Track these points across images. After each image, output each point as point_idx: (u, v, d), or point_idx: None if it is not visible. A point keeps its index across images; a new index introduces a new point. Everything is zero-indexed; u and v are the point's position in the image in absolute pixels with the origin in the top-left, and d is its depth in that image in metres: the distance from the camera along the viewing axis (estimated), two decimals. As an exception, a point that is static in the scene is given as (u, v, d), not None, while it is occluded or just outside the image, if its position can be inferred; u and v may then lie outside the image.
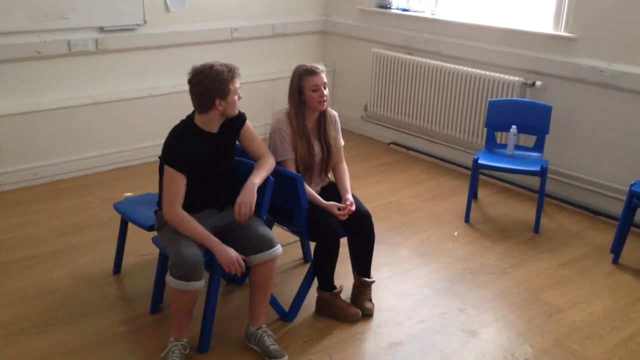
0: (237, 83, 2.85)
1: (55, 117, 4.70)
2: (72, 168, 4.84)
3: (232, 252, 2.75)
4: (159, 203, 2.93)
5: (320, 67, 3.18)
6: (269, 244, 2.85)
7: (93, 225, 4.10)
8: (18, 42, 4.47)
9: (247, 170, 2.96)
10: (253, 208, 2.85)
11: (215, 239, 2.76)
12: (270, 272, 2.89)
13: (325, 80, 3.16)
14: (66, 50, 4.69)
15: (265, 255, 2.84)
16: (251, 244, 2.84)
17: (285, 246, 3.23)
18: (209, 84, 2.76)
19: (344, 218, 3.13)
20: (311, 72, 3.14)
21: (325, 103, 3.17)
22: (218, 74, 2.76)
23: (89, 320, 3.13)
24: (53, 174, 4.76)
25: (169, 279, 2.69)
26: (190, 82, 2.81)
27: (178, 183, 2.75)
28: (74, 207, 4.35)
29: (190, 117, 2.89)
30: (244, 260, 2.79)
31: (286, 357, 2.83)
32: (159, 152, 5.18)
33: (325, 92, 3.15)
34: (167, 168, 2.77)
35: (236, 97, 2.86)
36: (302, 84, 3.14)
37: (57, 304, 3.25)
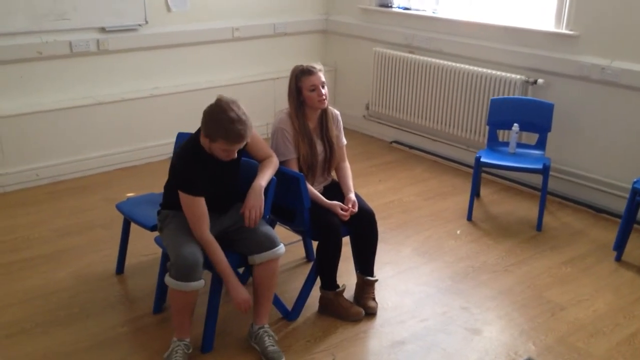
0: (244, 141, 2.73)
1: (57, 118, 4.70)
2: (74, 169, 4.84)
3: (245, 294, 2.78)
4: (163, 203, 2.93)
5: (318, 66, 3.17)
6: (272, 244, 2.85)
7: (96, 225, 4.10)
8: (20, 43, 4.48)
9: (251, 170, 2.96)
10: (262, 211, 2.85)
11: (234, 277, 2.78)
12: (274, 271, 2.89)
13: (323, 79, 3.15)
14: (68, 50, 4.69)
15: (268, 255, 2.84)
16: (254, 244, 2.84)
17: (287, 245, 3.24)
18: (217, 127, 2.66)
19: (346, 218, 3.13)
20: (308, 72, 3.13)
21: (325, 102, 3.17)
22: (230, 122, 2.64)
23: (92, 320, 3.13)
24: (55, 175, 4.76)
25: (168, 279, 2.70)
26: (205, 111, 2.71)
27: (200, 206, 2.73)
28: (76, 208, 4.35)
29: (196, 139, 2.78)
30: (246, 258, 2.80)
31: (283, 359, 2.83)
32: (161, 152, 5.18)
33: (324, 91, 3.14)
34: (185, 195, 2.71)
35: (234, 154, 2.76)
36: (300, 84, 3.14)
37: (60, 304, 3.26)
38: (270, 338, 2.88)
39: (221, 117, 2.64)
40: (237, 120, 2.64)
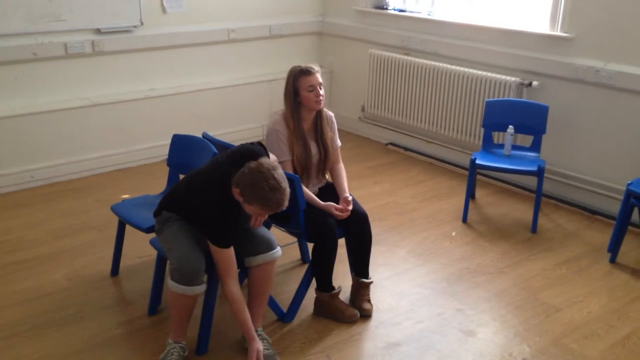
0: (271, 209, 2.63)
1: (52, 119, 4.69)
2: (69, 170, 4.83)
3: (260, 349, 2.77)
4: (164, 205, 2.88)
5: (315, 67, 3.19)
6: (269, 246, 2.86)
7: (90, 227, 4.10)
8: (14, 44, 4.47)
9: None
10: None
11: (252, 330, 2.76)
12: (269, 274, 2.89)
13: (320, 80, 3.16)
14: (63, 52, 4.69)
15: (265, 257, 2.84)
16: (251, 245, 2.85)
17: (283, 247, 3.23)
18: (257, 194, 2.56)
19: (343, 217, 3.13)
20: (306, 72, 3.14)
21: (322, 102, 3.18)
22: (271, 191, 2.54)
23: (87, 322, 3.13)
24: (50, 176, 4.75)
25: (170, 283, 2.69)
26: (245, 173, 2.58)
27: (231, 256, 2.69)
28: (71, 210, 4.34)
29: (226, 187, 2.62)
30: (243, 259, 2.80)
31: None
32: (156, 153, 5.17)
33: (321, 91, 3.15)
34: (216, 247, 2.66)
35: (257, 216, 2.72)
36: (297, 84, 3.14)
37: (54, 306, 3.25)
38: (265, 341, 2.87)
39: (262, 185, 2.53)
40: (277, 189, 2.55)
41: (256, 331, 2.88)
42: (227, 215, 2.65)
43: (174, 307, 2.78)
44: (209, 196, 2.66)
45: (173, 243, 2.75)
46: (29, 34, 4.51)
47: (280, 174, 2.59)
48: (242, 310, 2.74)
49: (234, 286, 2.71)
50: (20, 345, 2.95)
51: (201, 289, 2.71)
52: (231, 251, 2.69)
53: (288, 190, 2.60)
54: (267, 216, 2.75)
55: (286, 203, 2.61)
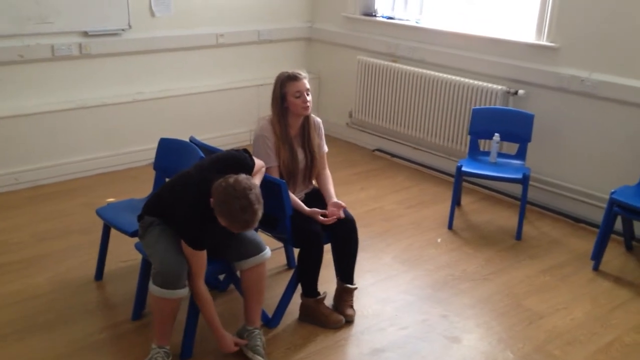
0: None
1: (38, 122, 4.66)
2: (54, 173, 4.80)
3: (230, 342, 2.83)
4: (147, 209, 2.89)
5: (303, 73, 3.20)
6: (258, 249, 2.87)
7: (75, 231, 4.07)
8: (1, 45, 4.43)
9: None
10: None
11: (220, 327, 2.80)
12: (261, 275, 2.91)
13: (307, 86, 3.17)
14: (50, 54, 4.66)
15: (255, 260, 2.86)
16: (241, 249, 2.85)
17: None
18: (225, 211, 2.56)
19: (330, 222, 3.14)
20: (294, 78, 3.15)
21: (309, 108, 3.19)
22: (240, 211, 2.53)
23: (70, 326, 3.10)
24: (34, 179, 4.72)
25: (152, 287, 2.68)
26: (219, 187, 2.57)
27: (202, 258, 2.70)
28: (55, 213, 4.31)
29: (207, 196, 2.61)
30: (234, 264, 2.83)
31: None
32: (143, 157, 5.14)
33: (309, 97, 3.16)
34: (188, 247, 2.66)
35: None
36: (284, 90, 3.15)
37: (38, 310, 3.22)
38: (261, 341, 2.90)
39: (234, 204, 2.51)
40: (247, 210, 2.53)
41: (253, 331, 2.91)
42: (203, 218, 2.64)
43: (157, 312, 2.77)
44: (187, 198, 2.66)
45: (154, 247, 2.75)
46: (15, 36, 4.48)
47: (255, 194, 2.57)
48: (211, 309, 2.78)
49: (203, 286, 2.75)
50: (2, 349, 2.92)
51: (183, 292, 2.69)
52: (204, 254, 2.71)
53: (260, 212, 2.59)
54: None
55: (254, 225, 2.60)
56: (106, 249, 3.47)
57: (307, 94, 3.16)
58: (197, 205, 2.64)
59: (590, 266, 3.84)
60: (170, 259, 2.67)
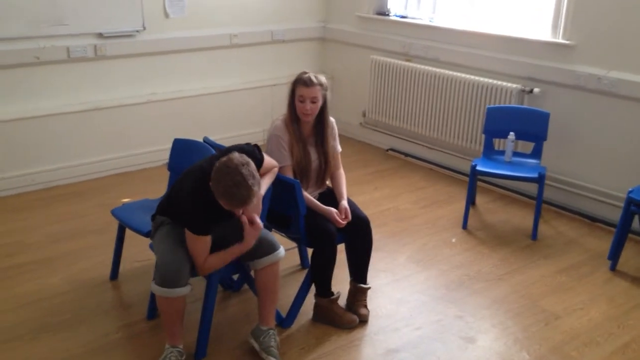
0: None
1: (53, 123, 4.70)
2: (69, 174, 4.83)
3: (253, 240, 2.76)
4: (159, 209, 2.91)
5: (318, 79, 3.14)
6: (272, 248, 2.86)
7: (90, 231, 4.09)
8: (17, 48, 4.47)
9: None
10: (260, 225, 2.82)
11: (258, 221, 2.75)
12: (275, 274, 2.90)
13: (315, 94, 3.12)
14: (65, 56, 4.70)
15: (269, 259, 2.85)
16: (254, 249, 2.84)
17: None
18: (221, 188, 2.55)
19: (342, 225, 3.13)
20: (303, 82, 3.13)
21: (309, 117, 3.16)
22: (234, 186, 2.52)
23: (85, 326, 3.12)
24: (50, 180, 4.75)
25: (153, 286, 2.69)
26: (215, 166, 2.58)
27: (204, 243, 2.69)
28: (71, 213, 4.34)
29: (207, 181, 2.61)
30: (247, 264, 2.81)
31: None
32: (157, 158, 5.16)
33: (309, 106, 3.12)
34: (190, 233, 2.67)
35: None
36: (295, 90, 3.15)
37: (53, 310, 3.24)
38: (276, 342, 2.89)
39: (227, 180, 2.52)
40: (241, 184, 2.51)
41: (267, 331, 2.89)
42: (205, 202, 2.63)
43: (161, 311, 2.78)
44: (189, 183, 2.68)
45: (158, 246, 2.78)
46: (31, 38, 4.52)
47: (249, 170, 2.55)
48: (218, 255, 2.73)
49: (209, 258, 2.72)
50: (18, 350, 2.94)
51: (183, 291, 2.68)
52: (207, 241, 2.69)
53: (256, 187, 2.57)
54: (240, 212, 2.70)
55: (252, 200, 2.57)
56: (121, 249, 3.49)
57: (313, 102, 3.13)
58: (198, 188, 2.64)
59: (607, 266, 3.80)
60: (170, 257, 2.68)
